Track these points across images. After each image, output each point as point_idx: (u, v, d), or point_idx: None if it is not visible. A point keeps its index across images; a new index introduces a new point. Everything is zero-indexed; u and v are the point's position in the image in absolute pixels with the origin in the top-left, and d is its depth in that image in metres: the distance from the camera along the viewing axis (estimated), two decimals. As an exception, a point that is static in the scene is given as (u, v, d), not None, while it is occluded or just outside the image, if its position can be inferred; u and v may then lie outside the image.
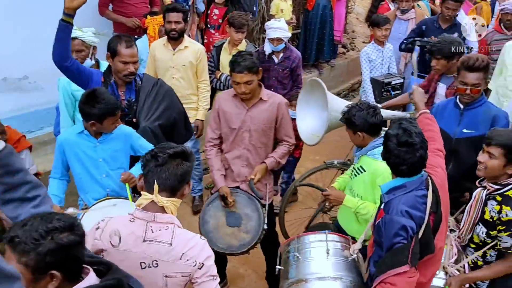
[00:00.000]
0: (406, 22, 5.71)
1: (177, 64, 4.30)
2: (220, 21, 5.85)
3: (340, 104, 3.31)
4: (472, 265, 2.75)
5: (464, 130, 3.24)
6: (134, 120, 3.20)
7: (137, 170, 2.96)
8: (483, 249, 2.67)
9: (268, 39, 4.57)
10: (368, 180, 2.81)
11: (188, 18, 5.17)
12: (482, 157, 2.61)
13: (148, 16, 4.92)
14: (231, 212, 3.27)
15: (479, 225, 2.68)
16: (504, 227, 2.51)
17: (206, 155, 3.49)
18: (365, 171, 2.82)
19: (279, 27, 4.52)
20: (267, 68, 4.64)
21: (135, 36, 4.83)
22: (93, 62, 3.73)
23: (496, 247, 2.62)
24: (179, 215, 2.04)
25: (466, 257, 2.75)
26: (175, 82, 4.27)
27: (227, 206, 3.25)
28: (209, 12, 5.91)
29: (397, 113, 3.96)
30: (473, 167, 2.81)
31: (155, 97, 3.25)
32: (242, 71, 3.07)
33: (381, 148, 2.61)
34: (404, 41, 5.24)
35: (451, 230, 2.88)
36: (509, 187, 2.55)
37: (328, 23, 7.13)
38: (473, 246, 2.75)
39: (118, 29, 5.08)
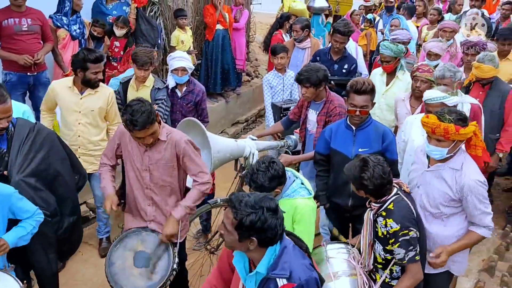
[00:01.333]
0: (303, 51, 5.98)
1: (84, 109, 4.00)
2: (122, 53, 5.78)
3: (223, 143, 3.38)
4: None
5: (360, 149, 3.41)
6: (5, 173, 2.85)
7: (14, 234, 2.70)
8: (389, 267, 2.79)
9: (172, 70, 4.50)
10: (291, 221, 2.83)
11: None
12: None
13: None
14: (139, 251, 3.12)
15: (377, 243, 2.81)
16: (393, 239, 2.67)
17: (99, 171, 3.39)
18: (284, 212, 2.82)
19: (183, 57, 4.51)
20: (170, 101, 4.60)
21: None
22: None
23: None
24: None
25: (378, 280, 2.86)
26: (82, 128, 4.03)
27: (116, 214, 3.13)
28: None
29: (272, 144, 4.10)
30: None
31: (31, 146, 2.94)
32: (143, 127, 2.88)
33: (294, 185, 2.85)
34: None
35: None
36: (389, 201, 2.72)
37: (228, 52, 7.24)
38: (380, 266, 2.86)
39: (9, 66, 4.79)
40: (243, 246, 2.11)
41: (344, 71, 5.29)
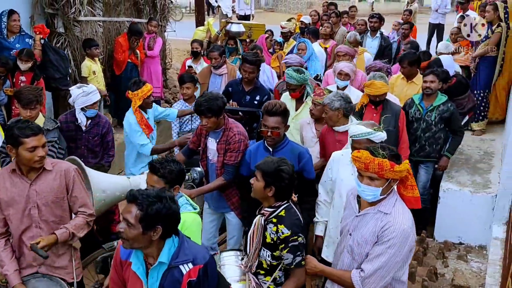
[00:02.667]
0: (220, 77, 5.95)
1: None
2: None
3: (110, 181, 3.29)
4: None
5: None
6: None
7: None
8: (273, 275, 2.86)
9: (86, 106, 4.26)
10: None
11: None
12: (252, 180, 2.91)
13: (130, 92, 4.40)
14: None
15: (263, 250, 2.88)
16: (283, 245, 2.76)
17: None
18: None
19: (95, 90, 4.33)
20: (74, 137, 4.37)
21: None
22: None
23: (282, 267, 2.85)
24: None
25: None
26: None
27: None
28: (14, 80, 5.46)
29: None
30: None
31: None
32: (39, 131, 2.90)
33: (181, 200, 2.89)
34: None
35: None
36: (281, 208, 2.83)
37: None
38: (263, 272, 2.91)
39: None
40: (145, 239, 2.19)
41: (256, 102, 5.11)
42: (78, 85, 4.38)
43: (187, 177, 3.92)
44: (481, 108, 6.60)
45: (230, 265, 3.08)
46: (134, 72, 7.09)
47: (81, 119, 4.35)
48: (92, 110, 4.33)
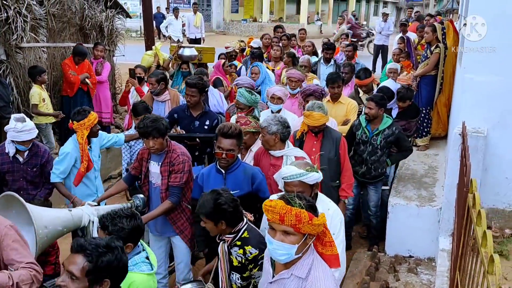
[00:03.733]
0: (163, 104, 5.76)
1: None
2: None
3: (51, 216, 3.14)
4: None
5: (231, 192, 3.43)
6: None
7: None
8: None
9: (17, 141, 4.12)
10: None
11: None
12: (202, 223, 2.89)
13: (75, 122, 4.19)
14: None
15: (232, 274, 2.89)
16: (252, 264, 2.81)
17: None
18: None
19: (34, 128, 4.16)
20: (11, 170, 4.21)
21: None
22: None
23: (252, 286, 2.89)
24: None
25: None
26: None
27: None
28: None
29: (116, 207, 3.44)
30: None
31: None
32: None
33: (137, 257, 2.63)
34: None
35: None
36: (242, 231, 2.87)
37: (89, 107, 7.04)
38: None
39: None
40: None
41: (206, 127, 5.00)
42: (16, 116, 4.18)
43: (130, 205, 3.79)
44: (424, 124, 6.89)
45: None
46: (84, 98, 7.00)
47: (9, 149, 4.18)
48: (22, 146, 4.18)
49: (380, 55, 13.45)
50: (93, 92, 7.22)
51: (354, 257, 5.23)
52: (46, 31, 6.82)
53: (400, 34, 9.86)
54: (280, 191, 3.55)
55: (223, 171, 3.57)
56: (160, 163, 3.80)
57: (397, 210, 5.19)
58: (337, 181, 4.46)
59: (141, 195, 3.92)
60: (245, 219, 2.92)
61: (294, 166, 2.91)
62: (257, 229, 2.94)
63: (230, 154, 3.49)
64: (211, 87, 6.12)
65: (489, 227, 4.66)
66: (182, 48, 7.47)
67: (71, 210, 3.48)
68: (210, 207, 2.78)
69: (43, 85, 6.33)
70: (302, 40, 9.72)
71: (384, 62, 12.65)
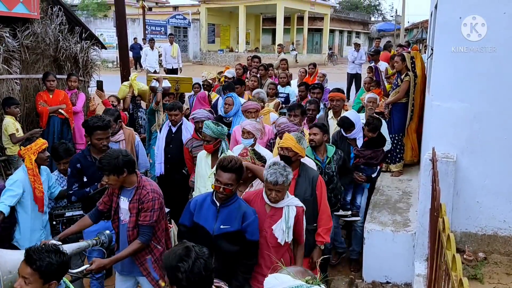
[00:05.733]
0: (116, 144, 5.33)
1: None
2: None
3: (17, 259, 2.96)
4: None
5: (222, 226, 3.42)
6: None
7: None
8: None
9: None
10: None
11: None
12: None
13: (22, 147, 4.26)
14: None
15: None
16: None
17: None
18: None
19: None
20: None
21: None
22: None
23: None
24: None
25: None
26: None
27: None
28: None
29: (81, 245, 3.65)
30: (234, 256, 3.39)
31: None
32: None
33: None
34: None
35: None
36: None
37: (69, 136, 7.05)
38: None
39: None
40: None
41: None
42: None
43: (95, 241, 3.67)
44: (397, 150, 7.03)
45: None
46: (64, 126, 7.03)
47: None
48: None
49: (354, 84, 13.77)
50: (72, 122, 7.16)
51: (332, 286, 5.21)
52: (19, 62, 6.78)
53: (370, 64, 10.14)
54: (279, 244, 3.52)
55: (218, 203, 3.47)
56: (129, 199, 3.68)
57: (373, 236, 5.22)
58: (314, 224, 4.11)
59: (107, 231, 3.77)
60: None
61: (288, 274, 2.03)
62: None
63: (227, 189, 3.37)
64: (184, 119, 6.04)
65: (462, 251, 4.73)
66: (154, 80, 7.51)
67: None
68: (170, 264, 2.24)
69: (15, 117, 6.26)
70: (284, 69, 9.71)
71: (357, 90, 12.95)
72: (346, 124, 5.56)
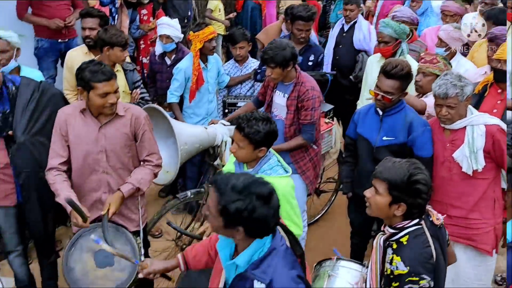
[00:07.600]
0: None
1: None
2: (152, 19, 5.74)
3: (190, 132, 3.09)
4: None
5: (384, 138, 3.09)
6: (10, 133, 2.89)
7: None
8: None
9: (158, 35, 4.45)
10: None
11: (115, 18, 5.22)
12: (368, 192, 2.17)
13: (191, 32, 4.27)
14: (99, 251, 2.74)
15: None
16: (397, 283, 2.04)
17: (49, 180, 2.79)
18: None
19: (169, 24, 4.36)
20: (159, 70, 4.50)
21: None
22: (17, 64, 3.54)
23: None
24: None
25: None
26: None
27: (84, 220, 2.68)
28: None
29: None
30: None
31: (36, 106, 2.95)
32: (111, 76, 2.70)
33: (272, 161, 2.54)
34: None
35: None
36: (405, 231, 2.09)
37: (258, 25, 7.07)
38: None
39: (40, 32, 4.85)
40: (229, 233, 1.81)
41: (310, 63, 4.44)
42: None
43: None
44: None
45: (341, 277, 2.54)
46: (255, 11, 7.17)
47: (157, 48, 4.57)
48: (162, 44, 4.47)
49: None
50: (264, 8, 7.18)
51: None
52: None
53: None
54: (468, 176, 2.84)
55: (380, 112, 3.11)
56: (287, 96, 3.45)
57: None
58: None
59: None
60: (423, 222, 2.11)
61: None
62: (430, 239, 2.08)
63: (386, 97, 2.97)
64: (360, 16, 5.09)
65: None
66: None
67: (206, 128, 3.53)
68: (402, 178, 2.05)
69: None
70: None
71: None
72: None
